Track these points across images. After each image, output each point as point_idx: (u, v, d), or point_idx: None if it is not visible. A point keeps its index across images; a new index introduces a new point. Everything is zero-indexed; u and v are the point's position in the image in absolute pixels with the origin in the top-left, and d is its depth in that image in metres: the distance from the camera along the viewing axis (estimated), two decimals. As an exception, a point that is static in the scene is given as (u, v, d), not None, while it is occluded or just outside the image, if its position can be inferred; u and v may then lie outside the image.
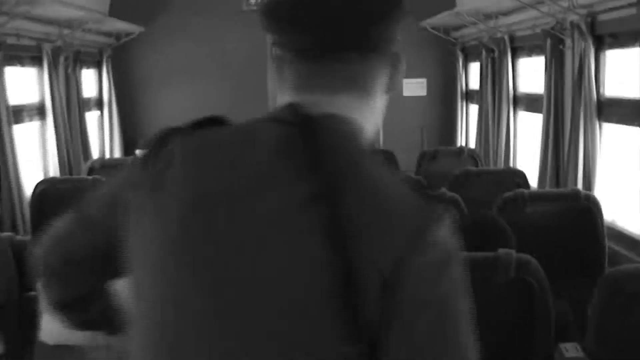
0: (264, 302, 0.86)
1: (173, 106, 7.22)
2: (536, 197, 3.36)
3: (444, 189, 3.64)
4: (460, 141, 6.76)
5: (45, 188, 4.25)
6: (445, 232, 0.88)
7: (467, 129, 6.82)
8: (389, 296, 0.83)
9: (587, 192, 3.46)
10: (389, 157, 5.44)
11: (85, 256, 1.05)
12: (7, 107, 4.41)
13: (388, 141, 7.01)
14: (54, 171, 5.28)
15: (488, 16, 5.58)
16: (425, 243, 0.86)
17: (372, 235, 0.85)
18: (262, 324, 0.86)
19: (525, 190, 3.43)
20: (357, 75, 0.99)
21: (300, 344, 0.86)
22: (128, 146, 7.01)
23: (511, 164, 5.29)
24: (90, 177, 4.42)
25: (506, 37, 5.33)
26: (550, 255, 2.84)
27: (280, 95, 1.02)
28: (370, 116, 1.01)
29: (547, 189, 4.14)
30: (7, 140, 4.36)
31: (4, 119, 4.37)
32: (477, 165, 5.23)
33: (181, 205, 0.92)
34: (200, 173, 0.94)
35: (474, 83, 6.65)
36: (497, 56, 5.49)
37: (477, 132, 5.97)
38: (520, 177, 4.27)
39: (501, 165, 5.33)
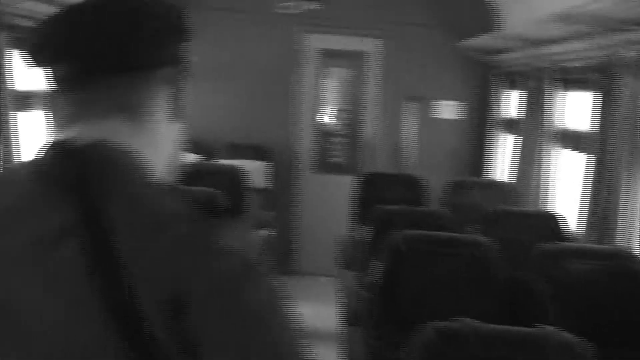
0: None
1: (197, 107, 6.90)
2: (580, 252, 3.00)
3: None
4: (490, 172, 6.38)
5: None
6: (226, 241, 0.84)
7: (498, 160, 6.43)
8: (180, 320, 0.78)
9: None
10: (416, 182, 5.10)
11: None
12: (12, 92, 4.10)
13: (416, 164, 6.70)
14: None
15: (535, 43, 5.20)
16: (208, 256, 0.82)
17: (149, 261, 0.79)
18: None
19: (568, 244, 3.07)
20: (122, 98, 0.93)
21: None
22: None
23: (546, 204, 4.91)
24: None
25: (553, 67, 4.95)
26: (593, 322, 2.53)
27: (55, 134, 0.95)
28: (150, 143, 0.95)
29: (590, 244, 3.75)
30: (10, 128, 4.05)
31: (8, 104, 4.07)
32: (508, 202, 4.87)
33: None
34: None
35: (513, 112, 6.28)
36: (541, 86, 5.11)
37: (512, 165, 5.59)
38: (555, 223, 3.91)
39: (535, 204, 4.94)
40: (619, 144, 3.80)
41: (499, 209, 3.90)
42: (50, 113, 0.97)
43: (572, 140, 4.81)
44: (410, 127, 6.83)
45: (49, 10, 3.51)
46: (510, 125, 6.22)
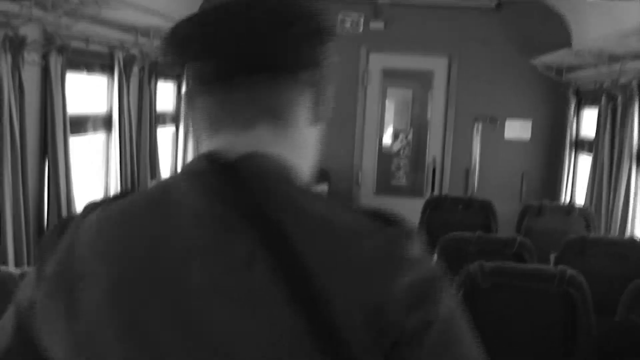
0: None
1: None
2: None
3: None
4: (566, 196, 6.00)
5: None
6: (418, 250, 0.83)
7: (574, 182, 6.06)
8: (379, 334, 0.77)
9: None
10: (488, 207, 4.79)
11: None
12: (65, 116, 3.97)
13: (484, 186, 6.36)
14: (114, 191, 4.85)
15: (613, 58, 4.86)
16: (400, 264, 0.81)
17: (339, 276, 0.78)
18: None
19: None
20: (266, 102, 0.91)
21: None
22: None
23: (629, 231, 4.54)
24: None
25: (634, 83, 4.59)
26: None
27: (195, 140, 0.96)
28: (295, 151, 0.92)
29: None
30: (60, 154, 3.91)
31: (61, 128, 3.93)
32: (588, 228, 4.51)
33: (98, 303, 0.83)
34: (113, 258, 0.85)
35: (587, 131, 5.92)
36: (620, 104, 4.75)
37: (589, 189, 5.22)
38: (644, 252, 3.55)
39: (616, 231, 4.57)
40: None
41: (583, 237, 3.55)
42: (188, 116, 0.95)
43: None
44: (479, 148, 6.50)
45: (102, 31, 3.27)
46: (587, 145, 5.86)
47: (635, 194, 4.59)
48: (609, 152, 4.98)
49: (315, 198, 0.87)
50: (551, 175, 6.31)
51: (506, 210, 5.26)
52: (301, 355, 0.77)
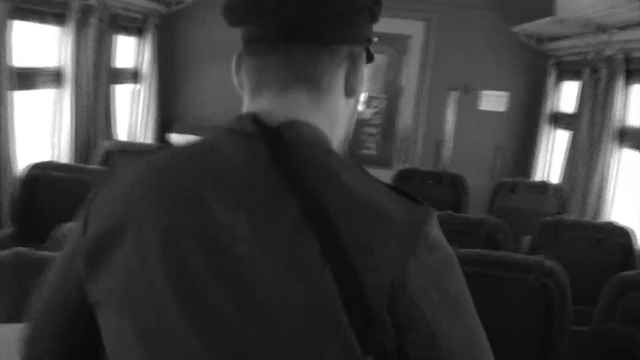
0: (267, 331, 0.84)
1: (221, 88, 6.39)
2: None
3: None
4: (542, 172, 5.79)
5: (37, 174, 3.47)
6: (438, 231, 0.89)
7: (550, 159, 5.84)
8: (398, 306, 0.83)
9: None
10: (459, 183, 4.56)
11: (73, 342, 1.00)
12: (11, 69, 3.64)
13: (456, 159, 6.13)
14: (65, 152, 4.52)
15: (600, 28, 4.61)
16: (424, 245, 0.86)
17: (369, 247, 0.84)
18: (268, 354, 0.84)
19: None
20: (305, 69, 0.95)
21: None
22: (163, 128, 6.22)
23: (605, 213, 4.34)
24: (95, 168, 3.60)
25: (620, 56, 4.36)
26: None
27: (245, 97, 1.00)
28: (329, 121, 0.97)
29: None
30: (3, 109, 3.58)
31: (5, 83, 3.60)
32: (563, 208, 4.30)
33: (149, 249, 0.87)
34: (163, 206, 0.89)
35: (566, 106, 5.70)
36: (604, 77, 4.52)
37: (565, 166, 5.00)
38: (624, 238, 3.35)
39: (593, 212, 4.37)
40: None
41: (558, 220, 3.33)
42: (237, 76, 1.01)
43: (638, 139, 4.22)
44: (453, 119, 6.25)
45: (139, 1, 2.97)
46: (563, 121, 5.64)
47: (614, 174, 4.38)
48: (588, 128, 4.76)
49: (352, 170, 0.90)
50: (526, 150, 6.08)
51: (478, 186, 5.03)
52: (332, 323, 0.83)
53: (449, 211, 3.24)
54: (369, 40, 1.01)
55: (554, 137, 5.86)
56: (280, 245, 0.85)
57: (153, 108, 6.10)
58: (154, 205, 0.89)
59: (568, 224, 3.25)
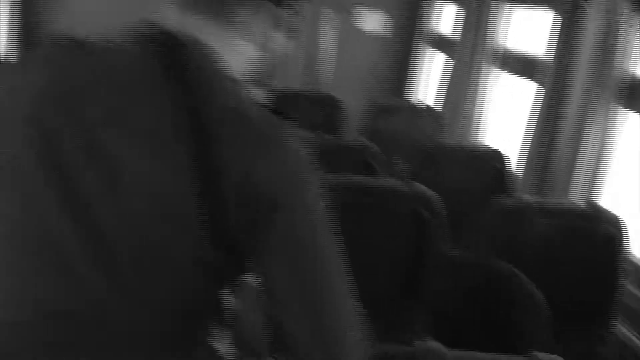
0: (127, 214, 0.88)
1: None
2: (543, 210, 2.32)
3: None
4: (417, 95, 5.68)
5: None
6: (294, 144, 0.92)
7: (427, 82, 5.74)
8: (247, 201, 0.86)
9: (611, 212, 2.42)
10: (334, 104, 4.37)
11: None
12: None
13: (330, 80, 5.92)
14: None
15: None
16: (276, 148, 0.90)
17: (230, 143, 0.87)
18: (119, 228, 0.88)
19: (532, 200, 2.40)
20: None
21: (157, 248, 0.88)
22: (24, 34, 5.58)
23: (480, 137, 4.27)
24: None
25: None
26: (553, 289, 1.94)
27: None
28: (233, 48, 0.99)
29: (553, 199, 3.08)
30: None
31: None
32: (440, 131, 4.20)
33: (25, 106, 0.91)
34: (56, 71, 0.94)
35: (446, 28, 5.57)
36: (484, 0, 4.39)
37: (441, 90, 4.89)
38: (499, 161, 3.26)
39: (467, 136, 4.29)
40: (579, 77, 3.14)
41: (434, 145, 3.20)
42: None
43: (518, 64, 4.13)
44: (327, 37, 6.00)
45: None
46: (442, 44, 5.52)
47: (490, 97, 4.30)
48: (468, 52, 4.64)
49: (230, 82, 0.96)
50: (402, 73, 5.94)
51: (353, 108, 4.85)
52: (180, 200, 0.87)
53: (319, 132, 3.03)
54: None
55: (432, 60, 5.74)
56: (144, 129, 0.88)
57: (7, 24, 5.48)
58: (33, 71, 0.95)
59: (444, 148, 3.11)
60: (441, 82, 4.90)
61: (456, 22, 4.85)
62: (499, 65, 4.28)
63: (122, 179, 0.87)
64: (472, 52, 4.61)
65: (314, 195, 0.91)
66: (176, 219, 0.87)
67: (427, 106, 4.36)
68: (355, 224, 2.23)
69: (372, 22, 6.00)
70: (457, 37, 4.76)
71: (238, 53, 1.00)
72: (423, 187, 2.17)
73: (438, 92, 4.93)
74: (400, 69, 5.98)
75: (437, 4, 5.68)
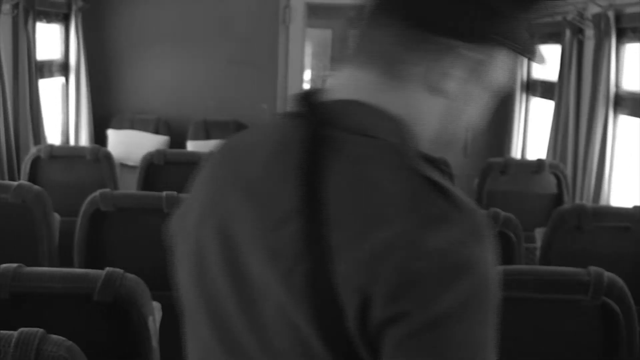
0: (254, 324, 0.83)
1: (160, 76, 5.77)
2: None
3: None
4: (519, 147, 5.33)
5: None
6: (445, 238, 0.74)
7: (526, 132, 5.39)
8: (369, 316, 0.75)
9: None
10: (441, 166, 4.05)
11: None
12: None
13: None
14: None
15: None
16: (409, 253, 0.74)
17: (350, 251, 0.76)
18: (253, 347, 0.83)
19: None
20: (386, 52, 0.86)
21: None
22: (98, 127, 5.57)
23: (606, 192, 3.89)
24: (20, 185, 2.96)
25: (610, 15, 3.90)
26: None
27: None
28: (407, 113, 0.86)
29: None
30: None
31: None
32: (561, 187, 3.84)
33: (195, 220, 0.91)
34: (204, 191, 0.93)
35: (541, 71, 5.25)
36: (594, 38, 4.05)
37: (552, 140, 4.53)
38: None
39: (590, 192, 3.91)
40: None
41: (579, 207, 2.83)
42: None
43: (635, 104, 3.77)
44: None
45: None
46: (537, 88, 5.20)
47: (613, 146, 3.93)
48: (575, 96, 4.31)
49: (388, 164, 0.81)
50: (499, 123, 5.60)
51: (451, 165, 4.53)
52: (296, 330, 0.78)
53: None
54: (484, 39, 0.86)
55: (528, 107, 5.41)
56: (265, 237, 0.82)
57: (86, 103, 5.44)
58: (201, 191, 0.94)
59: (591, 211, 2.75)
60: (551, 132, 4.54)
61: (560, 64, 4.51)
62: (614, 108, 3.93)
63: (251, 289, 0.83)
64: (580, 97, 4.29)
65: (465, 310, 0.74)
66: (289, 339, 0.81)
67: (541, 160, 4.01)
68: (526, 322, 1.91)
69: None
70: (562, 80, 4.43)
71: (426, 110, 0.88)
72: (609, 274, 1.83)
73: (548, 144, 4.57)
74: (495, 119, 5.63)
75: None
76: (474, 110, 0.92)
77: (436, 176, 0.79)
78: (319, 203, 0.78)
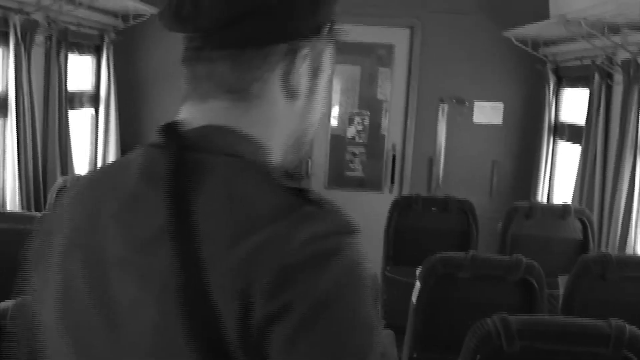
0: (126, 350, 0.83)
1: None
2: None
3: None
4: (545, 190, 5.28)
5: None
6: (312, 233, 0.79)
7: (552, 175, 5.33)
8: (252, 318, 0.75)
9: None
10: (465, 208, 4.03)
11: None
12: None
13: (449, 178, 5.62)
14: (10, 192, 3.91)
15: (611, 29, 4.13)
16: (280, 250, 0.77)
17: (223, 261, 0.78)
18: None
19: None
20: (226, 78, 0.89)
21: None
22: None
23: (633, 239, 3.82)
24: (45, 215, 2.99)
25: (633, 59, 3.86)
26: None
27: None
28: (263, 127, 0.91)
29: None
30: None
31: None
32: (586, 233, 3.79)
33: (57, 252, 0.91)
34: (68, 222, 0.92)
35: (568, 115, 5.21)
36: (623, 83, 4.01)
37: (578, 186, 4.48)
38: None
39: (616, 238, 3.85)
40: None
41: (603, 255, 2.78)
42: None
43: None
44: (444, 134, 5.71)
45: (93, 15, 2.35)
46: (568, 132, 5.15)
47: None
48: (602, 141, 4.27)
49: (252, 178, 0.84)
50: (525, 166, 5.56)
51: (476, 207, 4.50)
52: (174, 350, 0.78)
53: (472, 251, 2.70)
54: (318, 30, 0.91)
55: (555, 150, 5.36)
56: (136, 259, 0.83)
57: (115, 134, 5.49)
58: (64, 223, 0.92)
59: (616, 260, 2.70)
60: (577, 177, 4.49)
61: (587, 109, 4.47)
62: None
63: (122, 314, 0.83)
64: (605, 141, 4.24)
65: (343, 293, 0.78)
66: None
67: (566, 205, 3.96)
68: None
69: (490, 113, 5.69)
70: (590, 125, 4.39)
71: (284, 117, 0.93)
72: (631, 326, 1.79)
73: (574, 189, 4.51)
74: (523, 162, 5.60)
75: (558, 90, 5.33)
76: (320, 102, 0.97)
77: (297, 186, 0.83)
78: (187, 220, 0.80)
